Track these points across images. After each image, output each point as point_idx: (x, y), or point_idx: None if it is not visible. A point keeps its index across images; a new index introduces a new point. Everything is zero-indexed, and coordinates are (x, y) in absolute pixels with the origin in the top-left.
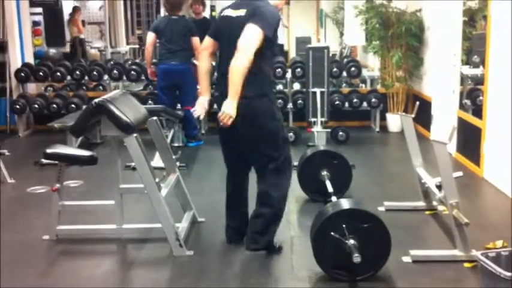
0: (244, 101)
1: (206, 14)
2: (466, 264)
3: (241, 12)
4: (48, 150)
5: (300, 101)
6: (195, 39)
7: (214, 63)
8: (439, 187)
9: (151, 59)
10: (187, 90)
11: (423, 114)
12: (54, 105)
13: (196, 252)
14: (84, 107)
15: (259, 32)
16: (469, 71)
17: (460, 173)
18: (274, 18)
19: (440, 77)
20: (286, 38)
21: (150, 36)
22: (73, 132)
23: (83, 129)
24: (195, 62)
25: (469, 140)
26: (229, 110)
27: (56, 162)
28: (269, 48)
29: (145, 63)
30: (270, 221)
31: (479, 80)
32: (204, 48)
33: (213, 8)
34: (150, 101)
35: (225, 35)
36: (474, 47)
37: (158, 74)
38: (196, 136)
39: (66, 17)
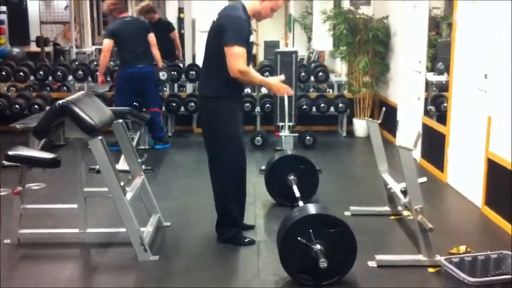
0: (201, 100)
1: (174, 15)
2: (430, 269)
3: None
4: (10, 152)
5: (267, 105)
6: (151, 36)
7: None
8: (404, 192)
9: (105, 67)
10: (152, 93)
11: (389, 120)
12: (17, 106)
13: (162, 256)
14: (47, 108)
15: (235, 49)
16: (433, 77)
17: (424, 179)
18: (240, 27)
19: (406, 84)
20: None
21: (108, 43)
22: (36, 134)
23: (46, 130)
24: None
25: (434, 146)
26: (275, 89)
27: (18, 164)
28: None
29: (98, 71)
30: (219, 216)
31: (444, 87)
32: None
33: (181, 10)
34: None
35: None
36: (439, 54)
37: (122, 78)
38: (163, 138)
39: (31, 15)
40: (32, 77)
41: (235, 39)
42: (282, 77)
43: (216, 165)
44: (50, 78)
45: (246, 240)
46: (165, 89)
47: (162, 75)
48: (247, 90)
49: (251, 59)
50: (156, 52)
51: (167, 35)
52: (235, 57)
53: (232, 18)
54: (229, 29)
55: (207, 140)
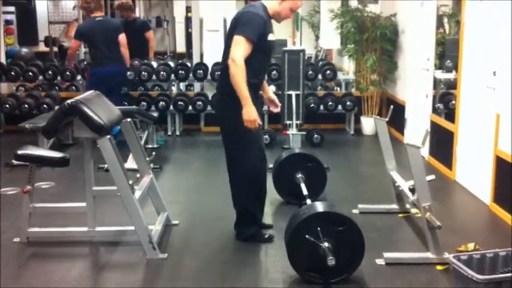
0: (218, 99)
1: (182, 15)
2: (439, 267)
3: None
4: (19, 152)
5: None
6: (122, 36)
7: None
8: (412, 190)
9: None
10: (117, 91)
11: (397, 118)
12: (26, 106)
13: (170, 255)
14: (56, 107)
15: (242, 40)
16: (442, 75)
17: (432, 176)
18: (255, 22)
19: (414, 81)
20: None
21: (75, 44)
22: (45, 134)
23: (54, 130)
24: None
25: (442, 143)
26: (246, 116)
27: (27, 163)
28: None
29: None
30: (237, 214)
31: (452, 84)
32: None
33: (188, 9)
34: (124, 102)
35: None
36: (447, 52)
37: (94, 77)
38: None
39: (39, 16)
40: (40, 77)
41: (245, 32)
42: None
43: (235, 165)
44: (59, 77)
45: (266, 237)
46: (173, 88)
47: (130, 74)
48: None
49: (269, 59)
50: (125, 52)
51: (142, 34)
52: (236, 46)
53: (248, 15)
54: (242, 23)
55: (225, 139)
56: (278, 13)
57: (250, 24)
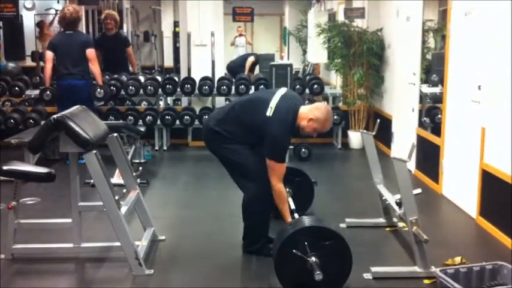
0: (209, 128)
1: (170, 29)
2: (426, 281)
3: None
4: (5, 167)
5: None
6: (89, 51)
7: None
8: (399, 204)
9: (50, 77)
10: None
11: (384, 132)
12: (12, 121)
13: (157, 270)
14: (42, 122)
15: (273, 164)
16: (428, 89)
17: (419, 190)
18: (284, 141)
19: (401, 95)
20: None
21: (48, 54)
22: (30, 149)
23: (40, 145)
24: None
25: (428, 157)
26: None
27: (12, 179)
28: None
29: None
30: (246, 228)
31: (438, 98)
32: None
33: (176, 24)
34: (111, 117)
35: None
36: (433, 66)
37: (58, 91)
38: None
39: (26, 30)
40: (27, 92)
41: (275, 156)
42: None
43: (246, 179)
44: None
45: (272, 252)
46: (160, 102)
47: (98, 92)
48: None
49: None
50: (94, 68)
51: (124, 48)
52: (272, 172)
53: (279, 129)
54: (272, 139)
55: (228, 170)
56: (303, 127)
57: (279, 146)
